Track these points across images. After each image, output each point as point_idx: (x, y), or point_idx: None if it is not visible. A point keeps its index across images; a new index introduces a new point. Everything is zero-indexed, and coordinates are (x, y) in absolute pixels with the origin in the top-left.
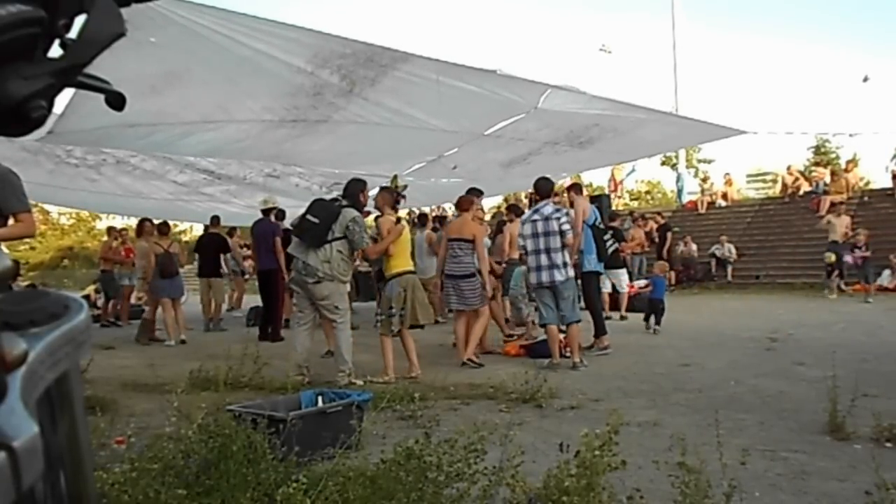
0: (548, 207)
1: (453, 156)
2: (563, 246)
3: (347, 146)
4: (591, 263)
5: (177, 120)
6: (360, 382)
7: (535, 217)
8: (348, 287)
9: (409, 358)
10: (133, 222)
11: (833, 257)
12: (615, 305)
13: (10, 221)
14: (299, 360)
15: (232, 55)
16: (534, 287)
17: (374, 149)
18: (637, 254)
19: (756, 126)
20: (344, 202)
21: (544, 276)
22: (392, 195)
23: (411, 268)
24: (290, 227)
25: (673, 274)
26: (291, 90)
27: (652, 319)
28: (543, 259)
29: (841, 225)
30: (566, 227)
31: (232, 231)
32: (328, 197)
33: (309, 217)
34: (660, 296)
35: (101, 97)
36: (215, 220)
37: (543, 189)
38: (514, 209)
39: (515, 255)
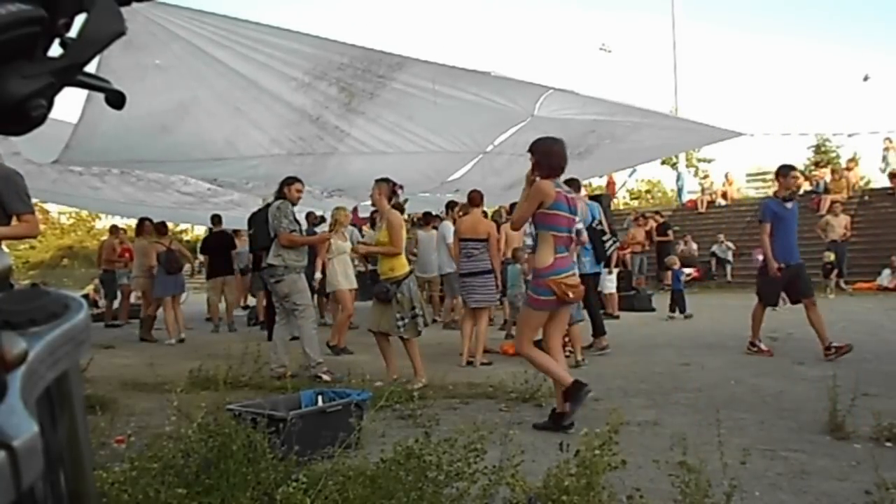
0: None
1: (455, 181)
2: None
3: (352, 179)
4: (588, 266)
5: (185, 158)
6: (327, 378)
7: None
8: (306, 283)
9: (415, 363)
10: (133, 222)
11: (832, 256)
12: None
13: (14, 222)
14: (279, 355)
15: (235, 74)
16: None
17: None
18: (637, 253)
19: (754, 127)
20: (272, 200)
21: None
22: (389, 185)
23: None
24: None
25: (669, 273)
26: (295, 118)
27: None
28: None
29: (839, 224)
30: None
31: (236, 231)
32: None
33: (250, 233)
34: (678, 287)
35: (106, 136)
36: (216, 219)
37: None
38: (515, 208)
39: (510, 255)
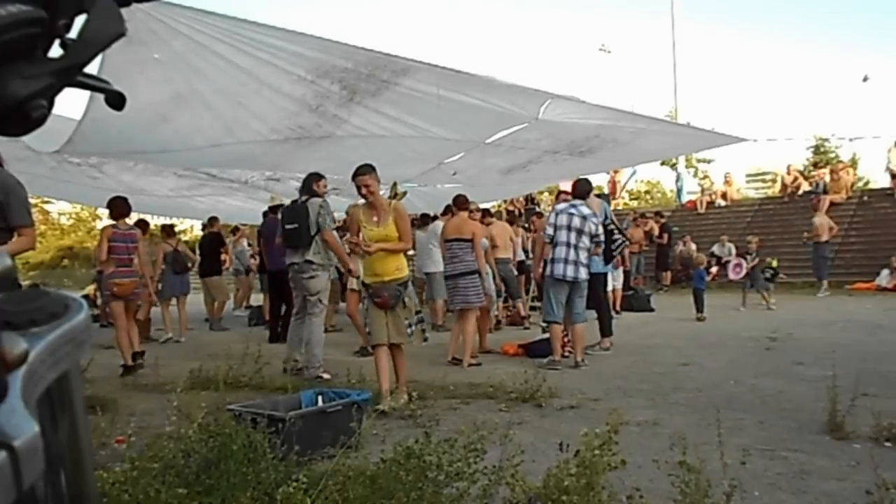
0: (585, 208)
1: (453, 163)
2: (589, 249)
3: (348, 156)
4: (600, 265)
5: (184, 147)
6: (327, 376)
7: (573, 212)
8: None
9: (401, 375)
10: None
11: (775, 262)
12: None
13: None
14: (292, 351)
15: (236, 69)
16: (552, 280)
17: (375, 158)
18: (635, 253)
19: (756, 130)
20: (304, 197)
21: (570, 271)
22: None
23: None
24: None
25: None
26: (295, 108)
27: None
28: (573, 254)
29: (817, 226)
30: (601, 235)
31: (236, 229)
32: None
33: (287, 227)
34: (700, 286)
35: (108, 131)
36: (213, 220)
37: (582, 190)
38: (483, 211)
39: (499, 255)
